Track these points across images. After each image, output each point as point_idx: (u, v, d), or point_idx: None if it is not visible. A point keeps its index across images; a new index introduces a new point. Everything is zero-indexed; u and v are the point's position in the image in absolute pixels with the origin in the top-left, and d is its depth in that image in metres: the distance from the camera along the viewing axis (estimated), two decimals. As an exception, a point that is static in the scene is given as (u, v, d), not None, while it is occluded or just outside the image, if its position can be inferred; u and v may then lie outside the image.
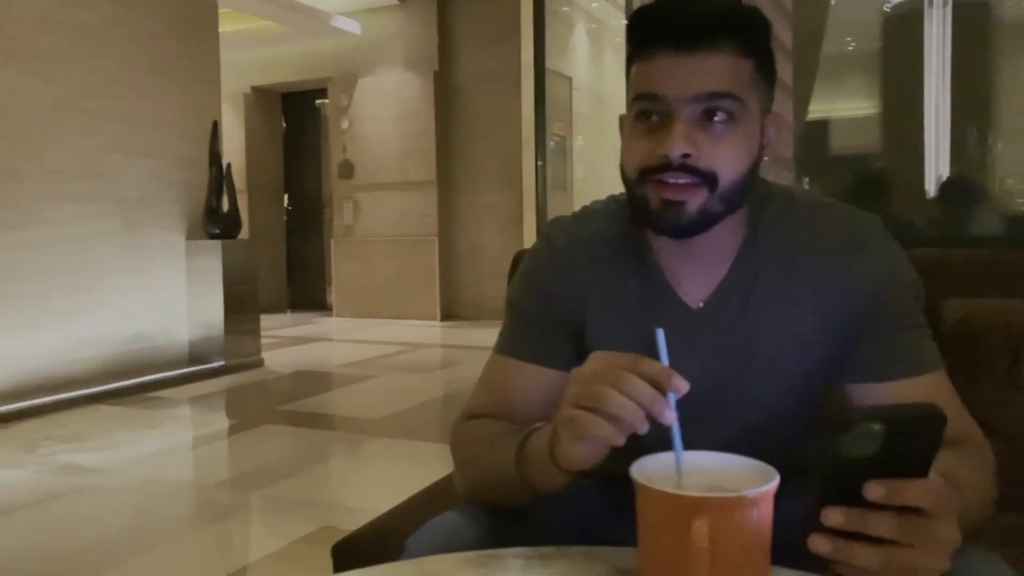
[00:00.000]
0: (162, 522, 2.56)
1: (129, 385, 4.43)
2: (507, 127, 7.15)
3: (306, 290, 8.76)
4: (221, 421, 4.03)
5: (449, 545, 0.78)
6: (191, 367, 4.91)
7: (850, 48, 6.03)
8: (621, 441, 0.65)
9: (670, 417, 0.64)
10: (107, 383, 4.38)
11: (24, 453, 3.29)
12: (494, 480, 0.82)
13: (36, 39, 4.20)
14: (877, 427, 0.54)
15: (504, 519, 0.84)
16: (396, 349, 5.80)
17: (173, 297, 4.98)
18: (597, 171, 9.23)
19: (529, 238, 7.02)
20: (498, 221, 7.27)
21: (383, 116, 7.57)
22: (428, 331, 6.73)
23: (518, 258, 1.47)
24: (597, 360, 0.68)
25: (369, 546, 1.12)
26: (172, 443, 3.60)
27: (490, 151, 7.27)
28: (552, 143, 7.65)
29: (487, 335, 6.07)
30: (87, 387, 4.27)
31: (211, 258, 5.01)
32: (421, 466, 3.08)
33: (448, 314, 7.34)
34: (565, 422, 0.68)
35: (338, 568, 1.13)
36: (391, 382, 4.71)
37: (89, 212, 4.48)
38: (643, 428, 0.64)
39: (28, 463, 3.16)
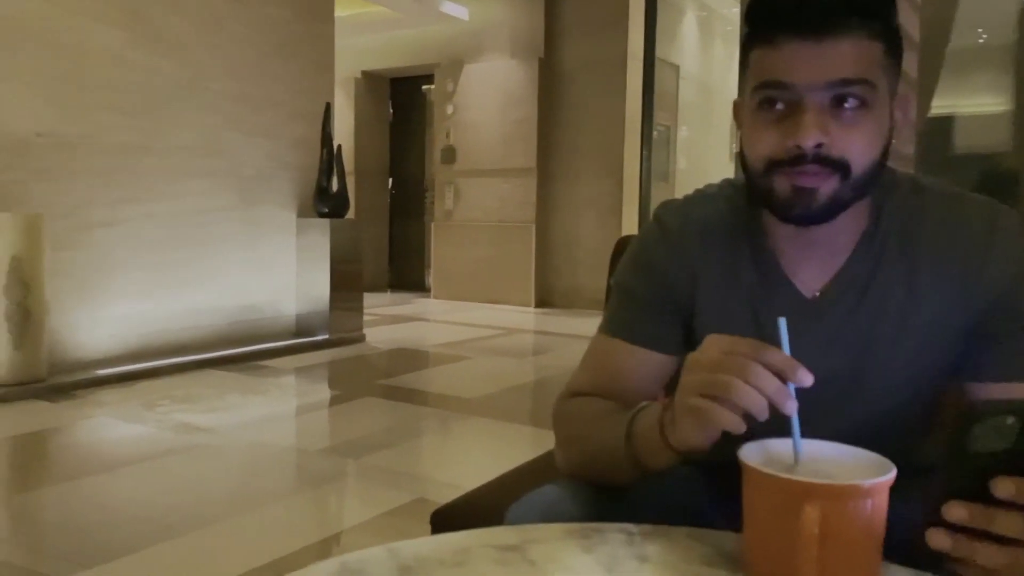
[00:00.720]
0: (265, 484, 2.70)
1: (239, 353, 4.68)
2: (610, 116, 7.09)
3: (406, 271, 8.98)
4: (323, 392, 4.20)
5: (549, 516, 0.80)
6: (297, 339, 5.13)
7: (981, 41, 5.66)
8: (744, 428, 0.65)
9: (792, 408, 0.63)
10: (219, 350, 4.63)
11: (144, 410, 3.53)
12: (599, 456, 0.83)
13: (166, 21, 4.46)
14: (1011, 421, 0.52)
15: (605, 496, 0.85)
16: (490, 333, 5.88)
17: (283, 272, 5.22)
18: (701, 162, 9.04)
19: (628, 229, 6.96)
20: (596, 211, 7.23)
21: (487, 102, 7.65)
22: (522, 317, 6.78)
23: (621, 245, 1.46)
24: (715, 346, 0.67)
25: (467, 514, 1.15)
26: (277, 409, 3.78)
27: (591, 140, 7.23)
28: (656, 133, 7.54)
29: (580, 324, 6.08)
30: (201, 353, 4.53)
31: (320, 236, 5.22)
32: (511, 447, 3.12)
33: (542, 301, 7.38)
34: (689, 410, 0.68)
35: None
36: (485, 364, 4.78)
37: (209, 188, 4.74)
38: (763, 417, 0.64)
39: (148, 419, 3.39)
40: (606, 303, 1.04)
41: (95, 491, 2.54)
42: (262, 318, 5.04)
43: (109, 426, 3.33)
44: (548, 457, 1.35)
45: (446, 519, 1.18)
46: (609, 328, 0.96)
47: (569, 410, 0.93)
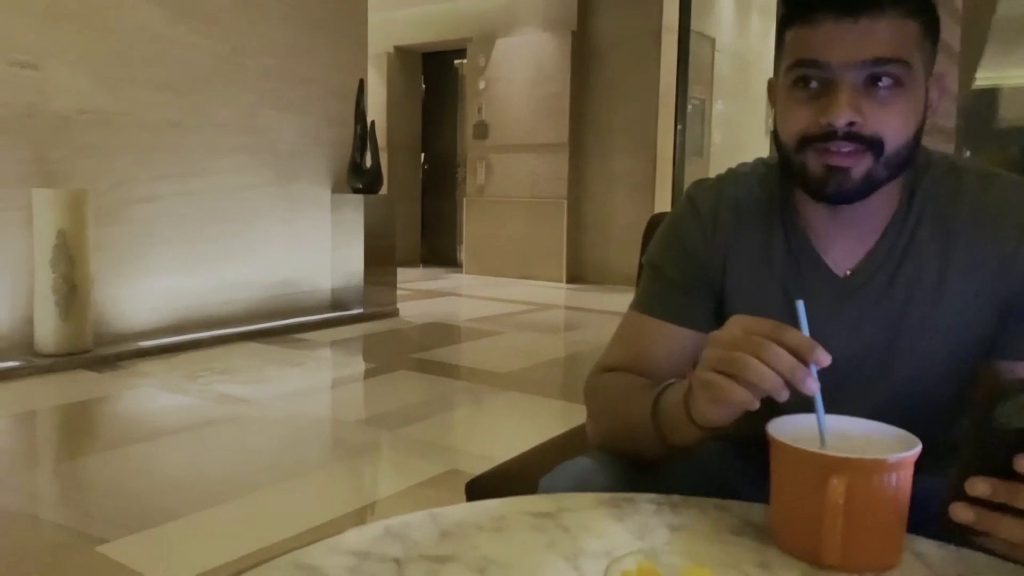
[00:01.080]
0: (303, 453, 2.78)
1: (276, 326, 4.77)
2: (643, 90, 7.02)
3: (438, 246, 9.04)
4: (358, 365, 4.28)
5: (581, 487, 0.83)
6: (332, 313, 5.22)
7: (1031, 8, 5.48)
8: (756, 406, 0.67)
9: (812, 386, 0.65)
10: (257, 323, 4.73)
11: (186, 381, 3.64)
12: (628, 431, 0.86)
13: None
14: None
15: (635, 469, 0.87)
16: (522, 308, 5.91)
17: (318, 247, 5.29)
18: (736, 137, 8.91)
19: (661, 205, 6.91)
20: (628, 187, 7.19)
21: (519, 77, 7.61)
22: (554, 293, 6.80)
23: (653, 223, 1.47)
24: (737, 325, 0.69)
25: (501, 484, 1.18)
26: (314, 382, 3.86)
27: (624, 115, 7.17)
28: (690, 107, 7.45)
29: (612, 300, 6.08)
30: (239, 326, 4.63)
31: (354, 211, 5.27)
32: (543, 421, 3.16)
33: (573, 277, 7.38)
34: (703, 384, 0.70)
35: (471, 504, 1.21)
36: (517, 339, 4.82)
37: (246, 164, 4.81)
38: (782, 396, 0.65)
39: (190, 390, 3.49)
40: (638, 281, 1.05)
41: (140, 458, 2.64)
42: (298, 292, 5.13)
43: (152, 396, 3.43)
44: (580, 431, 1.38)
45: (481, 489, 1.22)
46: (640, 305, 0.98)
47: (600, 385, 0.95)
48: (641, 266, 1.06)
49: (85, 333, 3.85)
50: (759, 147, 8.86)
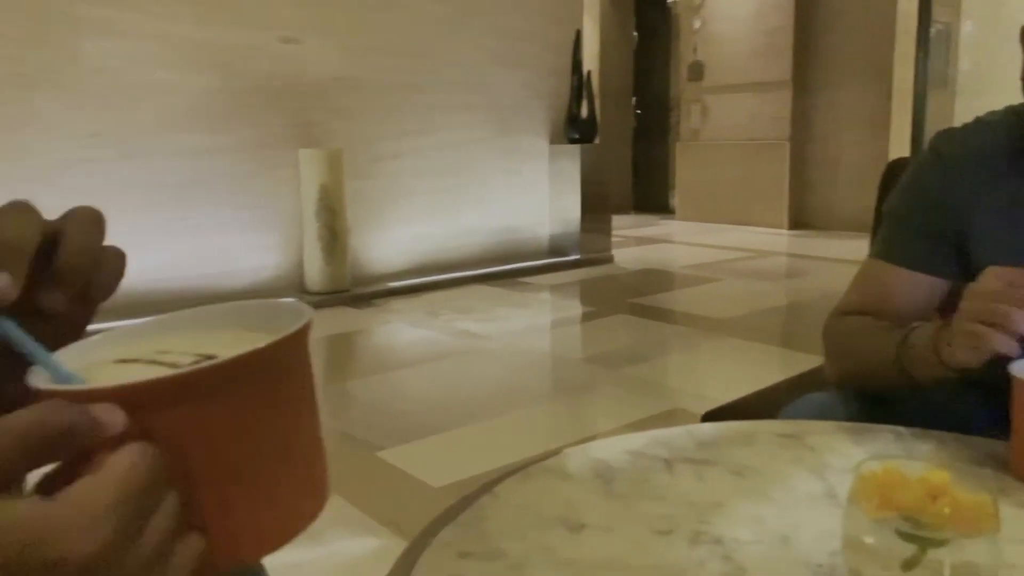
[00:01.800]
0: (532, 385, 3.04)
1: (501, 271, 5.13)
2: (878, 15, 6.46)
3: (650, 193, 9.02)
4: (578, 307, 4.51)
5: (821, 417, 0.92)
6: (550, 259, 5.49)
7: None
8: (1016, 354, 0.73)
9: None
10: (485, 267, 5.11)
11: (429, 318, 4.06)
12: (872, 367, 0.94)
13: (435, -36, 4.84)
14: None
15: (873, 405, 0.95)
16: (740, 255, 5.82)
17: (537, 196, 5.56)
18: (990, 64, 7.93)
19: (898, 144, 6.38)
20: (859, 124, 6.71)
21: (737, 13, 7.31)
22: (774, 239, 6.59)
23: (893, 168, 1.47)
24: (996, 277, 0.75)
25: (738, 417, 1.30)
26: (539, 321, 4.15)
27: (854, 46, 6.66)
28: (933, 31, 6.75)
29: (839, 247, 5.79)
30: (470, 269, 5.04)
31: (570, 161, 5.46)
32: (763, 367, 3.18)
33: (796, 223, 7.08)
34: (965, 334, 0.77)
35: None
36: (735, 286, 4.79)
37: (473, 120, 5.14)
38: None
39: (433, 326, 3.90)
40: (874, 228, 1.10)
41: (398, 382, 3.04)
42: (519, 239, 5.45)
43: (402, 330, 3.89)
44: (810, 374, 1.45)
45: (717, 420, 1.34)
46: (882, 252, 1.03)
47: (842, 326, 1.03)
48: (878, 214, 1.10)
49: (344, 275, 4.41)
50: (1016, 76, 7.79)
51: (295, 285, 4.41)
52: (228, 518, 0.31)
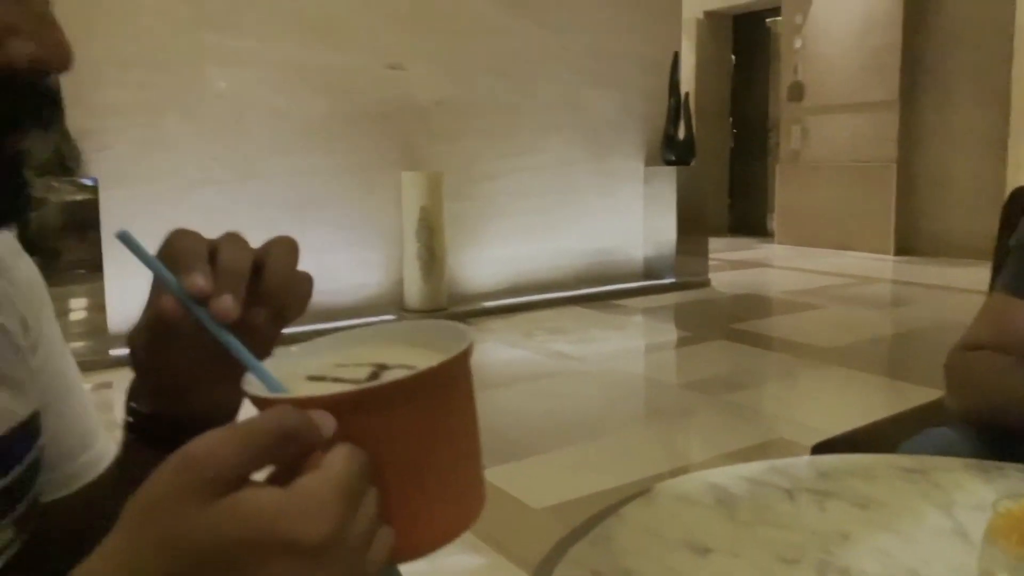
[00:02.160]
0: (627, 409, 3.04)
1: (595, 292, 5.13)
2: (994, 28, 6.15)
3: (746, 215, 8.85)
4: (673, 332, 4.47)
5: (944, 453, 0.91)
6: (645, 281, 5.46)
7: None
8: None
9: None
10: (578, 289, 5.13)
11: (523, 338, 4.11)
12: (1001, 405, 0.92)
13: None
14: None
15: (999, 444, 0.93)
16: (843, 281, 5.63)
17: (632, 218, 5.55)
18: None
19: (1016, 167, 6.05)
20: (974, 146, 6.40)
21: (840, 32, 7.12)
22: (878, 265, 6.35)
23: (1017, 196, 1.42)
24: None
25: (850, 449, 1.27)
26: (634, 345, 4.14)
27: (968, 63, 6.37)
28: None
29: (951, 274, 5.54)
30: (564, 290, 5.07)
31: (666, 183, 5.43)
32: (868, 398, 3.08)
33: (902, 248, 6.79)
34: None
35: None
36: (838, 313, 4.64)
37: (569, 141, 5.20)
38: None
39: (526, 346, 3.95)
40: (996, 259, 1.07)
41: (498, 401, 3.10)
42: (613, 260, 5.45)
43: (499, 349, 3.95)
44: (928, 408, 1.41)
45: (828, 451, 1.32)
46: (1008, 286, 1.01)
47: (966, 361, 1.01)
48: (1002, 244, 1.08)
49: (442, 293, 4.52)
50: None
51: (395, 303, 4.56)
52: (410, 514, 0.35)
